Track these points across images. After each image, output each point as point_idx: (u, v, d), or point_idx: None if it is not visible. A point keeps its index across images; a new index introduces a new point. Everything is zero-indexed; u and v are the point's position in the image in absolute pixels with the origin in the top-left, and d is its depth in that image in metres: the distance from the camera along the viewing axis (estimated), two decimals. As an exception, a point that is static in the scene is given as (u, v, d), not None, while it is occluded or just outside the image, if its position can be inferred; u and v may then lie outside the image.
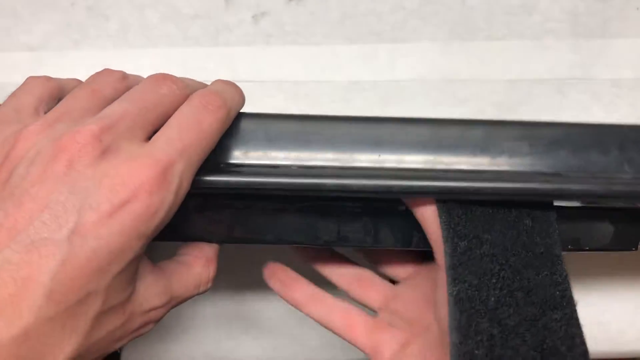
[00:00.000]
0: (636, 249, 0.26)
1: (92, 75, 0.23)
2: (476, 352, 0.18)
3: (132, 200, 0.19)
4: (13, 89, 0.38)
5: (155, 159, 0.19)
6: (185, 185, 0.20)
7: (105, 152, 0.19)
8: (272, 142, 0.24)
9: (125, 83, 0.23)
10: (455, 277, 0.20)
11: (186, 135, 0.20)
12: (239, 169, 0.24)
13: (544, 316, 0.19)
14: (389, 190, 0.22)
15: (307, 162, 0.24)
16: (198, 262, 0.25)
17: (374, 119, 0.25)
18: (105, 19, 0.41)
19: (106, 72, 0.23)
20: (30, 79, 0.24)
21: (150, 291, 0.22)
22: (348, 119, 0.25)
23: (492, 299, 0.19)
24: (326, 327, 0.28)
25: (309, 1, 0.37)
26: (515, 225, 0.22)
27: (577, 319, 0.20)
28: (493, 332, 0.19)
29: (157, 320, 0.23)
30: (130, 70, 0.37)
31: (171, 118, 0.21)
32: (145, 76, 0.32)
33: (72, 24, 0.41)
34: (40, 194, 0.18)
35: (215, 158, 0.23)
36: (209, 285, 0.26)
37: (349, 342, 0.27)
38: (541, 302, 0.19)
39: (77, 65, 0.40)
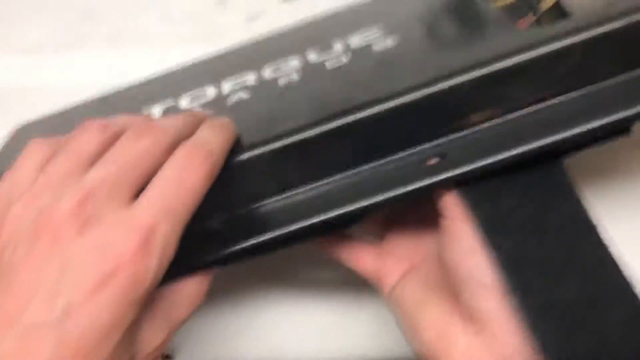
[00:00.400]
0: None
1: (73, 133, 0.23)
2: (537, 303, 0.21)
3: (116, 271, 0.18)
4: (9, 92, 0.39)
5: (138, 225, 0.19)
6: (172, 246, 0.20)
7: (86, 224, 0.19)
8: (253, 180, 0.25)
9: (107, 134, 0.22)
10: (493, 244, 0.22)
11: (169, 197, 0.20)
12: (226, 228, 0.24)
13: (578, 248, 0.21)
14: (407, 196, 0.23)
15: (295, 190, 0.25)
16: (191, 279, 0.24)
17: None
18: (99, 22, 0.41)
19: (86, 126, 0.23)
20: (30, 145, 0.23)
21: (152, 333, 0.22)
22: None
23: (529, 252, 0.21)
24: (335, 261, 0.29)
25: (302, 1, 0.37)
26: (523, 177, 0.23)
27: (603, 243, 0.21)
28: (540, 282, 0.21)
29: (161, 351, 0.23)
30: (125, 72, 0.37)
31: (154, 178, 0.21)
32: (140, 77, 0.33)
33: (66, 27, 0.42)
34: (28, 278, 0.18)
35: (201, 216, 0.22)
36: (203, 299, 0.24)
37: (358, 272, 0.28)
38: (570, 239, 0.21)
39: (71, 68, 0.41)
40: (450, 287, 0.24)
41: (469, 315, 0.22)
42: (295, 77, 0.29)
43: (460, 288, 0.23)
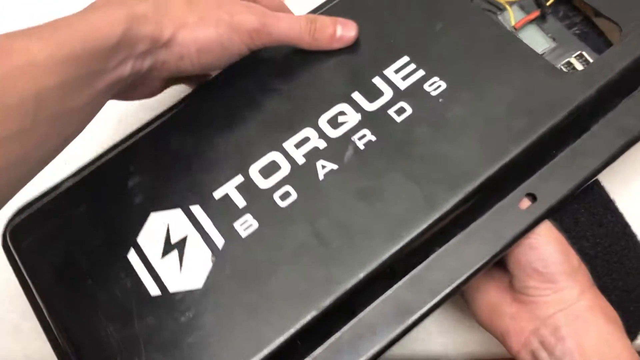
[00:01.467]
0: None
1: None
2: (587, 250, 0.33)
3: None
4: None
5: None
6: None
7: None
8: None
9: None
10: (572, 241, 0.31)
11: None
12: None
13: (603, 219, 0.33)
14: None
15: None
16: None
17: None
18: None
19: None
20: None
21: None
22: None
23: (594, 243, 0.33)
24: None
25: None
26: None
27: (611, 202, 0.33)
28: (587, 246, 0.33)
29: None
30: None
31: None
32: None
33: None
34: None
35: None
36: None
37: None
38: (595, 214, 0.33)
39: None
40: (494, 273, 0.32)
41: (518, 291, 0.31)
42: (370, 136, 0.30)
43: (514, 272, 0.31)
